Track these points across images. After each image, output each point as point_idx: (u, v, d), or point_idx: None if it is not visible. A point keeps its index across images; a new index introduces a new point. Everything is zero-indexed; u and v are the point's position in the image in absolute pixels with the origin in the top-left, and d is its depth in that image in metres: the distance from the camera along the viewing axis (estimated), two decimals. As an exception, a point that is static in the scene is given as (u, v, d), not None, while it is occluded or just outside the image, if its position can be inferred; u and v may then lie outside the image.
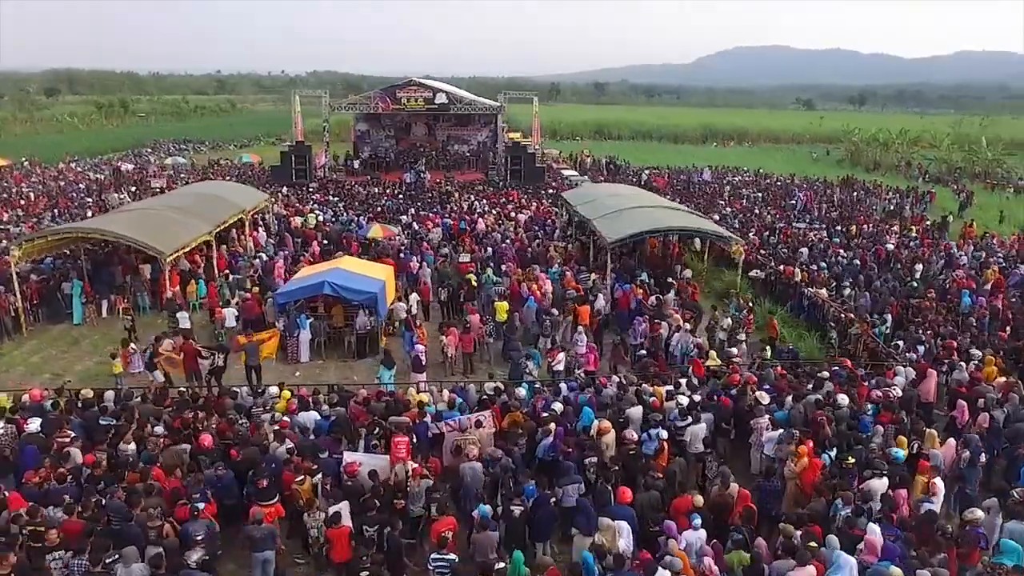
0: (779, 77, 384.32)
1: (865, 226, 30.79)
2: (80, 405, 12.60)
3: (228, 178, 44.19)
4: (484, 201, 35.95)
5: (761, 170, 53.90)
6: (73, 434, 11.27)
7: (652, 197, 29.71)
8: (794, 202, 37.78)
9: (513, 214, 32.76)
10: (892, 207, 38.19)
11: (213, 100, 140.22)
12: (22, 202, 35.61)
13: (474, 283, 21.07)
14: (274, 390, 13.17)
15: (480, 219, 30.73)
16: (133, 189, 39.48)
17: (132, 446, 11.07)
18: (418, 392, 13.76)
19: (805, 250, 25.51)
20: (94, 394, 13.08)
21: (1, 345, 18.60)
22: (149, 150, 67.99)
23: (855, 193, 42.96)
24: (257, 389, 13.96)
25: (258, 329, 17.64)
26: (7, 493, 9.67)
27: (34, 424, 11.60)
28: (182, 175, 46.31)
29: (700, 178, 47.73)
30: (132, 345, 16.24)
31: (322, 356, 18.16)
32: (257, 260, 23.88)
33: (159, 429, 11.56)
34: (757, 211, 34.46)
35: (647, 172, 48.37)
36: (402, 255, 24.31)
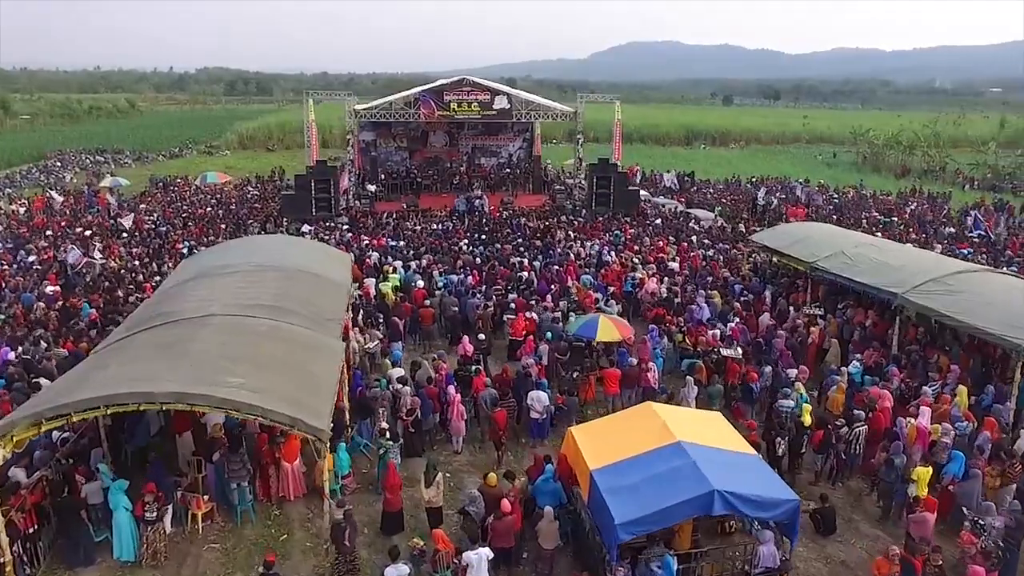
0: (672, 72, 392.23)
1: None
2: None
3: (212, 208, 32.70)
4: (598, 242, 26.72)
5: (822, 182, 47.03)
6: None
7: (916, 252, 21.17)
8: (971, 225, 30.08)
9: (659, 263, 23.92)
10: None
11: (108, 99, 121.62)
12: None
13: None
14: None
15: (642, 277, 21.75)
16: (89, 233, 27.35)
17: None
18: None
19: None
20: None
21: None
22: (58, 164, 53.75)
23: (981, 209, 36.40)
24: None
25: None
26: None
27: None
28: (150, 210, 33.90)
29: (761, 195, 39.05)
30: None
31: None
32: (394, 388, 13.97)
33: None
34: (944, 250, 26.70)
35: (763, 193, 38.35)
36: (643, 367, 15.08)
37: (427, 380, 14.50)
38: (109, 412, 9.13)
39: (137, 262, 23.35)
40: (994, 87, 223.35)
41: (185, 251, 24.48)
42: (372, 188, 34.85)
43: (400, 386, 14.01)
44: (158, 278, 21.10)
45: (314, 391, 10.42)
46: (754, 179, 47.66)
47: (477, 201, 33.02)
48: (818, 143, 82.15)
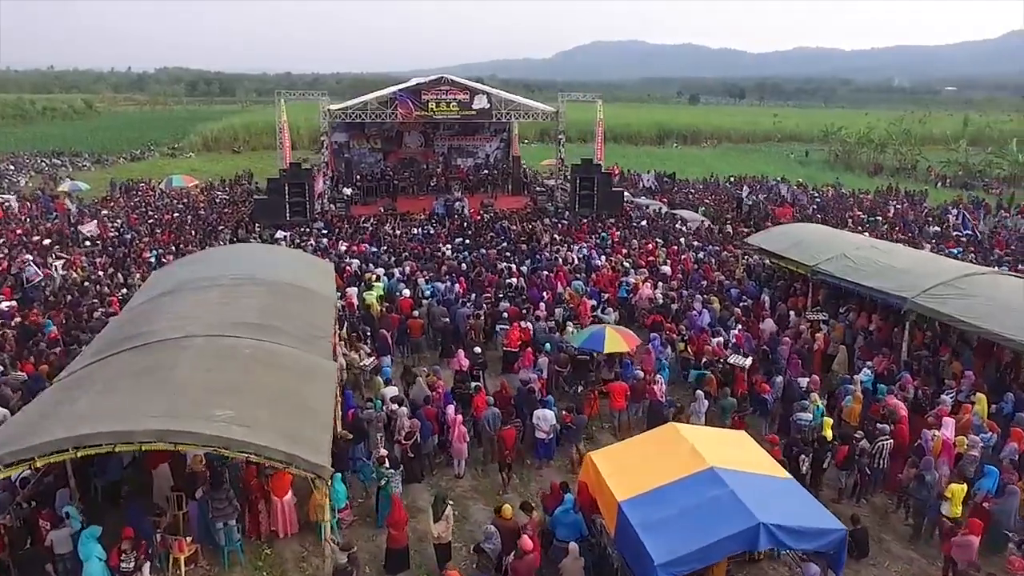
0: (637, 71, 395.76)
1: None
2: None
3: (180, 213, 31.20)
4: (585, 245, 25.94)
5: (800, 181, 46.94)
6: None
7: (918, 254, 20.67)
8: (957, 221, 29.94)
9: (652, 267, 23.28)
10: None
11: (64, 100, 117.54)
12: None
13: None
14: None
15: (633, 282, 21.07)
16: (48, 242, 25.71)
17: None
18: None
19: None
20: None
21: None
22: (11, 168, 51.29)
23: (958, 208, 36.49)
24: None
25: None
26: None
27: None
28: (113, 216, 32.18)
29: (744, 195, 38.71)
30: None
31: None
32: (389, 409, 13.02)
33: None
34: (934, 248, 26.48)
35: (747, 192, 38.24)
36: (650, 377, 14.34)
37: (424, 400, 13.53)
38: (79, 455, 8.01)
39: (101, 273, 21.89)
40: (949, 86, 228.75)
41: (153, 260, 23.09)
42: (348, 191, 33.60)
43: (395, 407, 13.02)
44: (125, 290, 19.75)
45: (310, 421, 9.42)
46: (732, 178, 47.43)
47: (457, 204, 32.04)
48: (788, 142, 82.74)
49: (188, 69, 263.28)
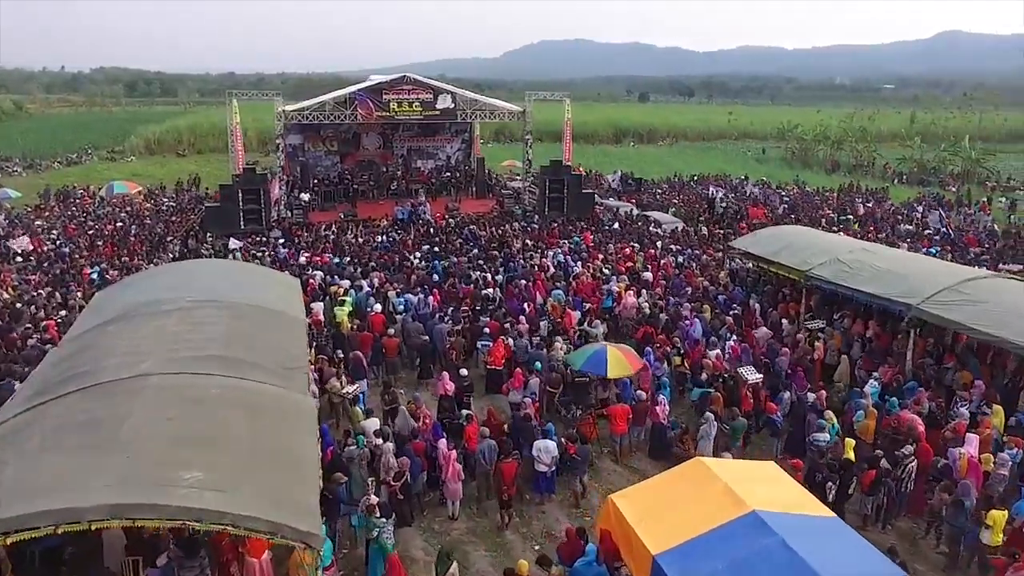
0: (586, 70, 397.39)
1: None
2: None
3: (123, 223, 29.01)
4: (559, 251, 24.87)
5: (764, 179, 46.80)
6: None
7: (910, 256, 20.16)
8: (933, 223, 29.76)
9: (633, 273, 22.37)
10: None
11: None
12: None
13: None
14: None
15: (621, 292, 20.09)
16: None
17: None
18: None
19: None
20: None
21: None
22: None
23: (924, 207, 36.66)
24: None
25: None
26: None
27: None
28: (48, 227, 29.72)
29: (717, 196, 38.34)
30: None
31: None
32: (372, 444, 11.69)
33: None
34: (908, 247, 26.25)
35: (720, 193, 37.47)
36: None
37: (411, 433, 12.24)
38: (10, 542, 6.50)
39: (36, 293, 19.86)
40: (888, 84, 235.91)
41: (95, 277, 21.11)
42: (306, 197, 31.82)
43: (379, 441, 11.70)
44: (64, 312, 17.84)
45: (295, 476, 8.06)
46: (696, 177, 47.06)
47: (420, 208, 30.64)
48: (743, 139, 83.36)
49: (127, 69, 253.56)
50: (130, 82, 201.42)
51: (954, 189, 45.47)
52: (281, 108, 30.90)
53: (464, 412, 12.71)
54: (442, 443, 11.68)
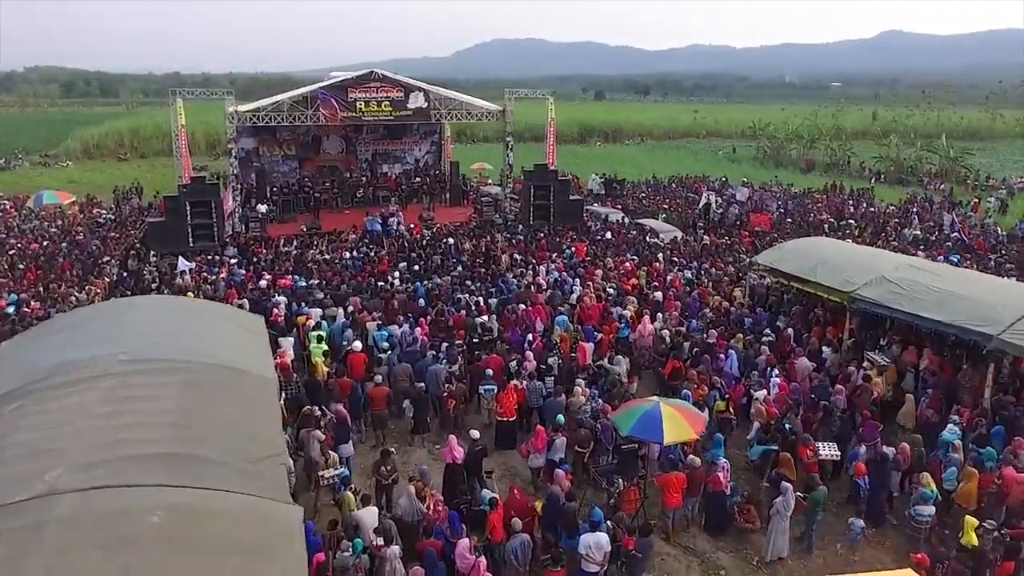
0: (538, 68, 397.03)
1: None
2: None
3: (51, 240, 25.33)
4: (553, 267, 22.33)
5: (745, 180, 45.05)
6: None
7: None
8: (947, 227, 28.04)
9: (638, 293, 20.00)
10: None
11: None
12: None
13: None
14: None
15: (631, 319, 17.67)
16: None
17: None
18: None
19: None
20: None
21: None
22: None
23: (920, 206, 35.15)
24: None
25: None
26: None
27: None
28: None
29: (713, 200, 35.85)
30: None
31: None
32: (371, 544, 9.01)
33: None
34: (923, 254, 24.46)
35: (716, 199, 34.56)
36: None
37: (418, 523, 9.56)
38: None
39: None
40: (835, 82, 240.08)
41: (11, 310, 17.66)
42: (263, 208, 28.58)
43: (381, 542, 9.00)
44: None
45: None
46: (676, 179, 45.11)
47: (392, 219, 27.74)
48: (709, 138, 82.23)
49: (64, 68, 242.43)
50: (67, 81, 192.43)
51: (940, 188, 44.43)
52: (233, 108, 27.61)
53: (487, 495, 10.00)
54: (463, 544, 8.98)
